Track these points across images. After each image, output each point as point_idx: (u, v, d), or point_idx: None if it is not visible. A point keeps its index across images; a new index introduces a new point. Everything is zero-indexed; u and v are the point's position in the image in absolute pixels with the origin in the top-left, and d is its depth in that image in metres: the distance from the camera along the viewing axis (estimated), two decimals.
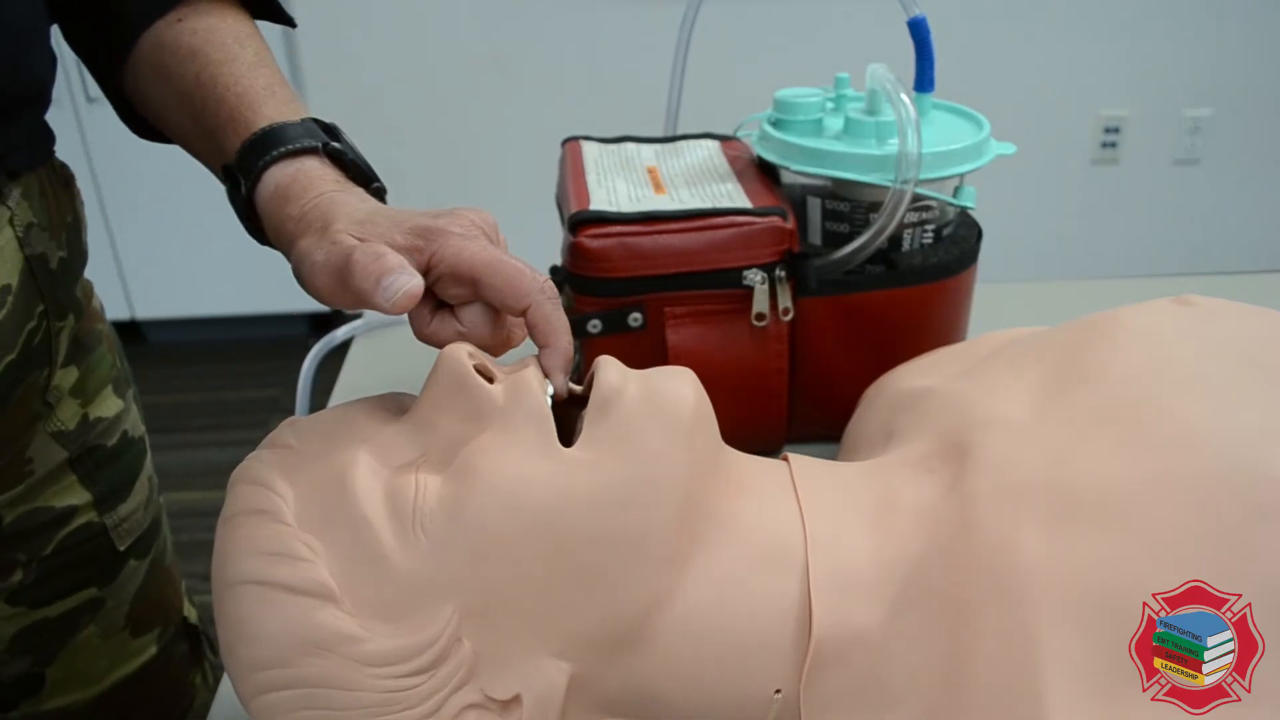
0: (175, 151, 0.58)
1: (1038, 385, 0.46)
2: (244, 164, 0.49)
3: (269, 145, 0.49)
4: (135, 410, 0.70)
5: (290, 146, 0.49)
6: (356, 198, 0.47)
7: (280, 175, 0.48)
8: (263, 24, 0.59)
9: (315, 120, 0.51)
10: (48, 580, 0.63)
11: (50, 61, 0.54)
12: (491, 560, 0.40)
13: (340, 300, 0.44)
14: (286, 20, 0.61)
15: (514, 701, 0.40)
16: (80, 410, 0.63)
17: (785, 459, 0.47)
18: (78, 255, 0.61)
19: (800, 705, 0.41)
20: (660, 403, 0.42)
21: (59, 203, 0.58)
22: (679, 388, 0.43)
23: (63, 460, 0.62)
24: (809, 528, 0.43)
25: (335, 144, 0.50)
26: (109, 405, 0.66)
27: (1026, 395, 0.46)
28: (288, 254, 0.47)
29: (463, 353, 0.43)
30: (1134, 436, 0.40)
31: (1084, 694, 0.35)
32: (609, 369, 0.43)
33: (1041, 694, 0.35)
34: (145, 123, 0.60)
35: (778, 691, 0.41)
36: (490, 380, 0.43)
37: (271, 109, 0.50)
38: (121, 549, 0.67)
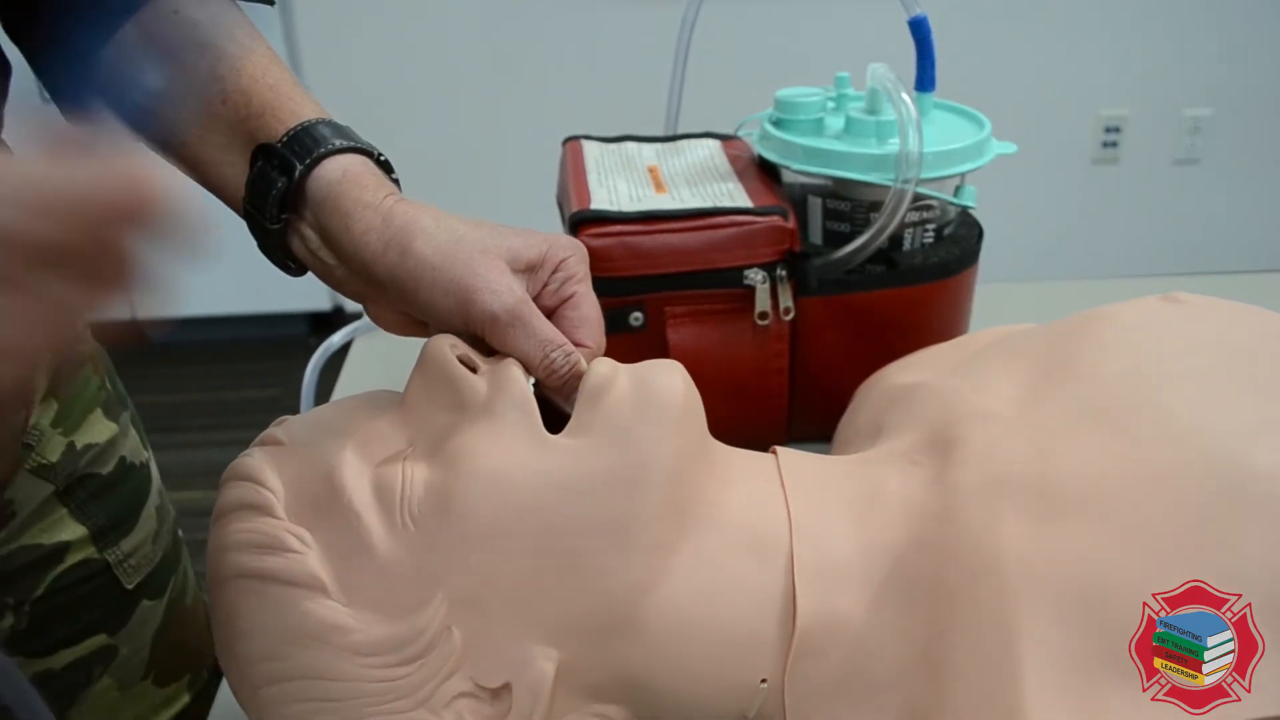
0: None
1: (1025, 380, 0.46)
2: (298, 146, 0.47)
3: (333, 134, 0.48)
4: (135, 435, 0.65)
5: (358, 144, 0.48)
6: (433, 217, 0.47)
7: (348, 161, 0.47)
8: (258, 23, 0.58)
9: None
10: (45, 626, 0.58)
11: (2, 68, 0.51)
12: (479, 548, 0.40)
13: (430, 313, 0.45)
14: None
15: (504, 689, 0.40)
16: (64, 439, 0.58)
17: (773, 452, 0.48)
18: None
19: (784, 694, 0.41)
20: (649, 393, 0.42)
21: None
22: (668, 379, 0.43)
23: (49, 494, 0.57)
24: (794, 517, 0.43)
25: (384, 157, 0.50)
26: (99, 430, 0.60)
27: (1013, 390, 0.46)
28: (357, 233, 0.46)
29: (445, 344, 0.44)
30: (1118, 431, 0.40)
31: (1062, 683, 0.35)
32: (599, 362, 0.44)
33: (1019, 683, 0.36)
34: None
35: (763, 681, 0.41)
36: (474, 370, 0.44)
37: (312, 107, 0.50)
38: (130, 587, 0.61)
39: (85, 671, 0.60)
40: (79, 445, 0.59)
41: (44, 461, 0.57)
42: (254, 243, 0.51)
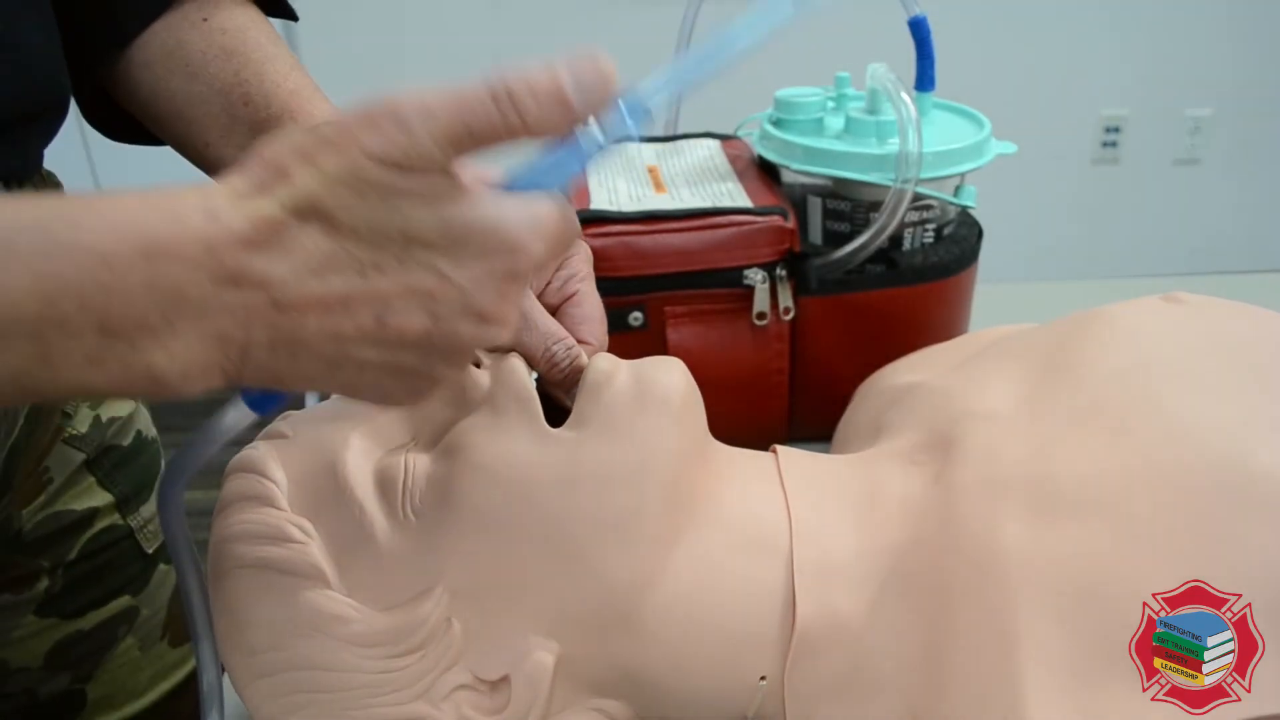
0: (176, 153, 0.57)
1: (1025, 380, 0.46)
2: None
3: None
4: (145, 412, 0.70)
5: None
6: None
7: None
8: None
9: None
10: (77, 589, 0.62)
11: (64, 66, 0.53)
12: (479, 540, 0.40)
13: None
14: (290, 14, 0.61)
15: (503, 682, 0.41)
16: (91, 412, 0.63)
17: (773, 451, 0.48)
18: None
19: (784, 692, 0.41)
20: (650, 388, 0.42)
21: None
22: (669, 375, 0.43)
23: (80, 463, 0.62)
24: (794, 516, 0.43)
25: None
26: (120, 405, 0.65)
27: (1013, 389, 0.46)
28: None
29: None
30: (1118, 430, 0.40)
31: (1062, 682, 0.35)
32: (600, 357, 0.44)
33: (1020, 682, 0.36)
34: (119, 122, 0.58)
35: (763, 678, 0.41)
36: (477, 365, 0.44)
37: (329, 111, 0.52)
38: (150, 551, 0.66)
39: (112, 631, 0.65)
40: (104, 418, 0.63)
41: (75, 432, 0.61)
42: None
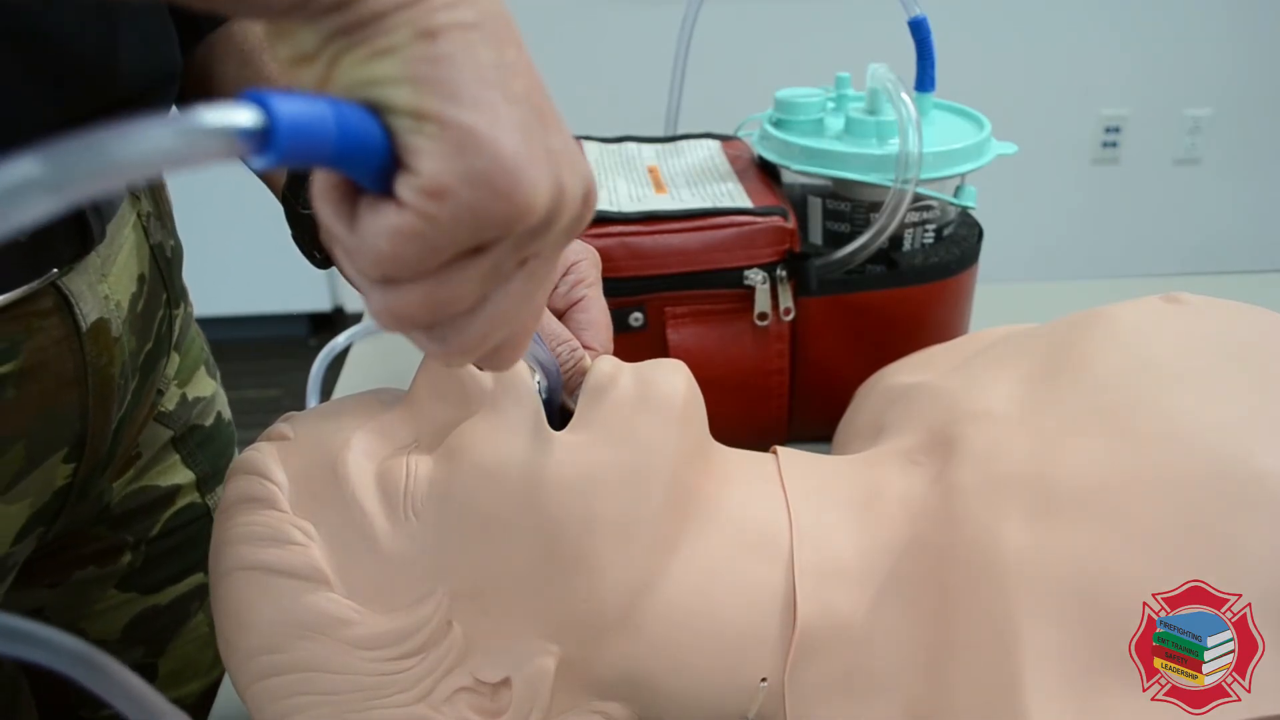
0: None
1: (1025, 380, 0.46)
2: None
3: None
4: (223, 394, 0.72)
5: None
6: None
7: None
8: None
9: None
10: (156, 564, 0.64)
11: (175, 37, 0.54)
12: (481, 542, 0.40)
13: None
14: None
15: (504, 684, 0.41)
16: (179, 390, 0.64)
17: (774, 452, 0.48)
18: (179, 244, 0.63)
19: (785, 694, 0.41)
20: (652, 391, 0.42)
21: (161, 191, 0.60)
22: (671, 378, 0.43)
23: (167, 440, 0.64)
24: (794, 517, 0.43)
25: None
26: (204, 386, 0.67)
27: (1014, 390, 0.46)
28: None
29: None
30: (1118, 431, 0.40)
31: (1063, 683, 0.36)
32: (603, 360, 0.44)
33: (1020, 683, 0.36)
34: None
35: (763, 680, 0.41)
36: (480, 367, 0.44)
37: None
38: None
39: (186, 607, 0.66)
40: (190, 398, 0.65)
41: (164, 410, 0.63)
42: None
